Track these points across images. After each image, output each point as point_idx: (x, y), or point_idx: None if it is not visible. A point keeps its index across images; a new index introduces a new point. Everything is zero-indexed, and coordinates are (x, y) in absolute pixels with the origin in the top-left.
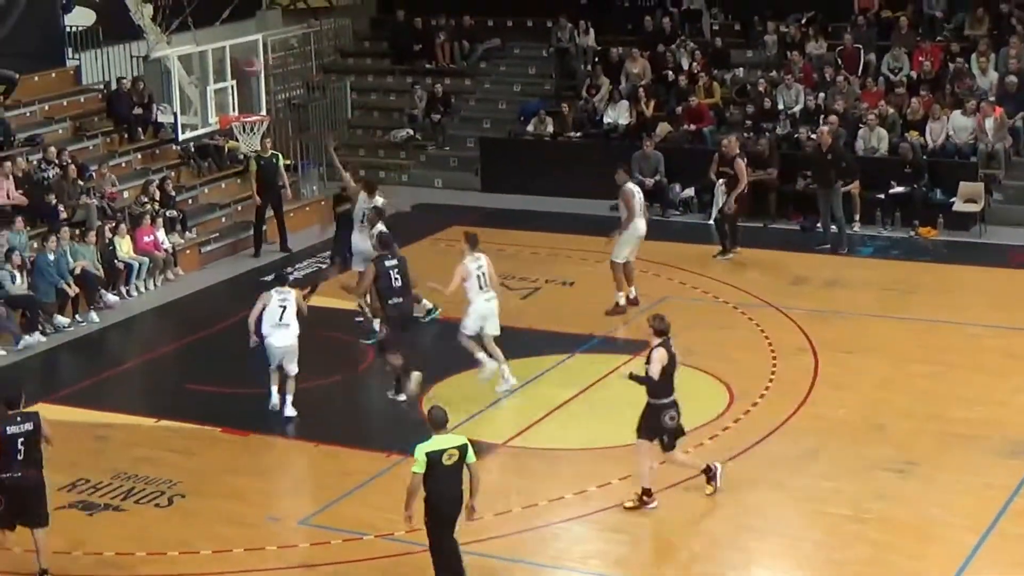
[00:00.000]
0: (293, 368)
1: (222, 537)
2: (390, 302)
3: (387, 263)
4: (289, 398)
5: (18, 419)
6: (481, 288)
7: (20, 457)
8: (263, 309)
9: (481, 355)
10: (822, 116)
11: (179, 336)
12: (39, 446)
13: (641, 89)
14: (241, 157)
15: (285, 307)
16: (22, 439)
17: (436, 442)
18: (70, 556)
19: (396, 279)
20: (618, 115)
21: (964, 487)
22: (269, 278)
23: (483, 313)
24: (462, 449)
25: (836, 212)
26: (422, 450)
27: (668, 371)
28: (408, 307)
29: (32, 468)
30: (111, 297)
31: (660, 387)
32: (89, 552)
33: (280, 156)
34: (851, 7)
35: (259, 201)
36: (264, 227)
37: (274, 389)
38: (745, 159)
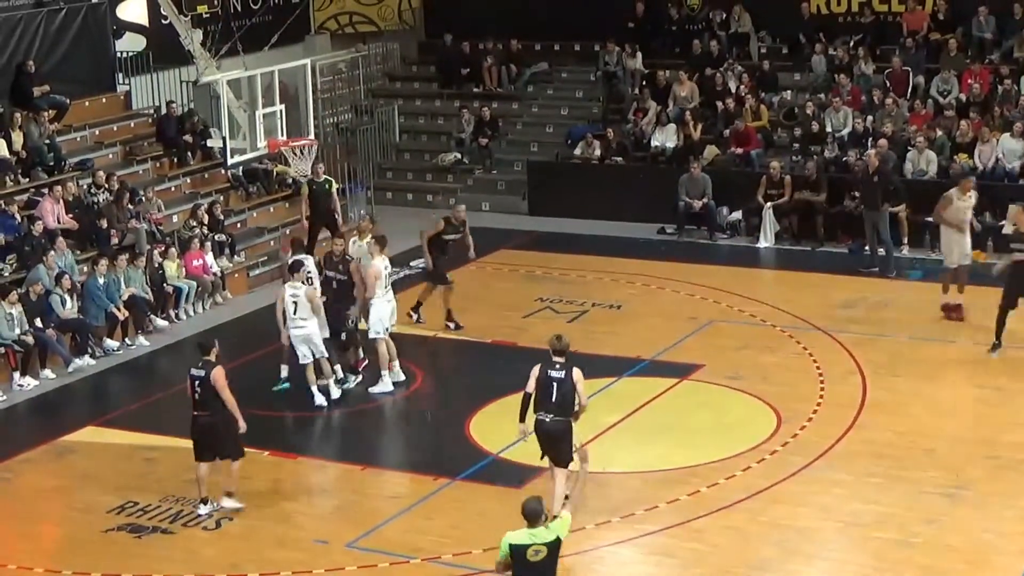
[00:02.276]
0: (320, 350)
1: (270, 560)
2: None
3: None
4: (327, 382)
5: (199, 364)
6: (385, 288)
7: (197, 398)
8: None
9: (385, 373)
10: (870, 139)
11: (227, 359)
12: (214, 392)
13: (688, 112)
14: (290, 181)
15: (297, 302)
16: (198, 382)
17: (524, 535)
18: None
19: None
20: (666, 138)
21: (1015, 512)
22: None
23: (387, 313)
24: (551, 546)
25: (883, 235)
26: (507, 541)
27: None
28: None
29: (208, 409)
30: (160, 321)
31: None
32: (138, 575)
33: (333, 182)
34: (899, 30)
35: (307, 225)
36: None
37: (314, 389)
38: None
